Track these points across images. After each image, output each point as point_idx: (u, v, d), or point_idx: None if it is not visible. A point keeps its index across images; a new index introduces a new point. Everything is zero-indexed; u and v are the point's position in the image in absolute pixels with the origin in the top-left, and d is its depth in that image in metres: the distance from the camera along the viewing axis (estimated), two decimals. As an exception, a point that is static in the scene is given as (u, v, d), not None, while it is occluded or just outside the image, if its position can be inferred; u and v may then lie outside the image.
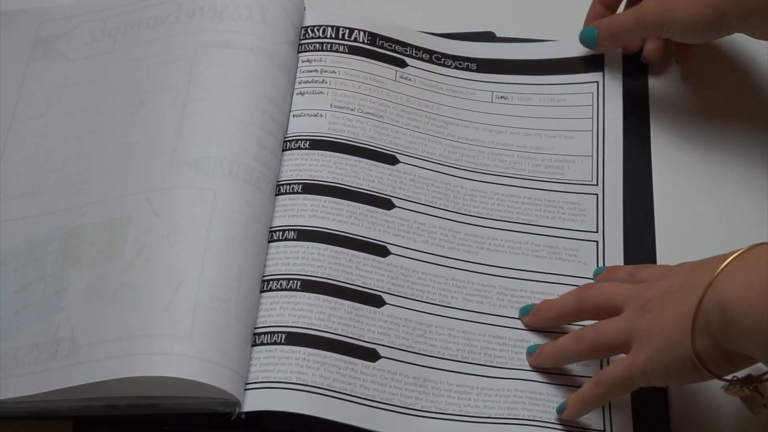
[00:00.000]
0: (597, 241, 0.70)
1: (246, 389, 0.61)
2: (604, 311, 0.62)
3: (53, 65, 0.75)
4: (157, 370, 0.59)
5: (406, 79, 0.75)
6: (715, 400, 0.65)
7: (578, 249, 0.69)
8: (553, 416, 0.63)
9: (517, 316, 0.67)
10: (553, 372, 0.65)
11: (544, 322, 0.66)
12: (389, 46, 0.76)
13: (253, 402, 0.61)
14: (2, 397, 0.61)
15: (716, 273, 0.55)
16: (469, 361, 0.65)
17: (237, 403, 0.60)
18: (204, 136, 0.67)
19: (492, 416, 0.63)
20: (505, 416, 0.63)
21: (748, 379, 0.59)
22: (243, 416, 0.61)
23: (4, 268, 0.66)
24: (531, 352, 0.65)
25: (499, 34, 0.78)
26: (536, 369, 0.65)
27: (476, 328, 0.66)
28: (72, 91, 0.73)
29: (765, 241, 0.56)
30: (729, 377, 0.58)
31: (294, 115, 0.72)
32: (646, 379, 0.59)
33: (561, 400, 0.64)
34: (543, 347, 0.65)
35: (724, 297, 0.54)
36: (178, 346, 0.59)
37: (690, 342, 0.56)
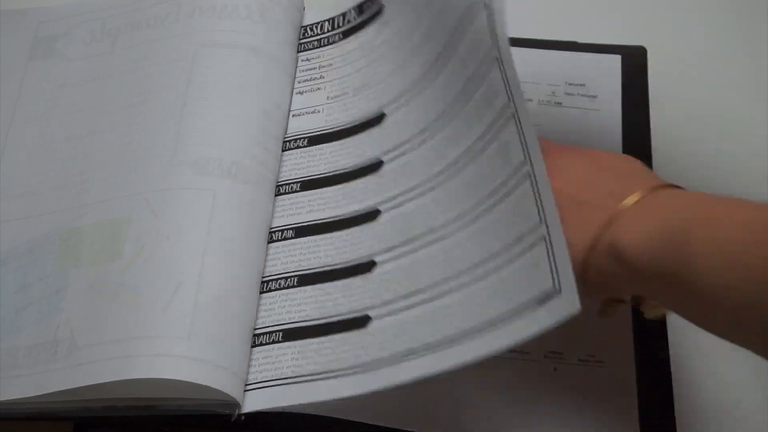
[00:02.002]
0: None
1: (245, 390, 0.61)
2: None
3: (53, 65, 0.75)
4: (157, 372, 0.59)
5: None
6: (721, 399, 0.65)
7: None
8: None
9: None
10: None
11: None
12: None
13: (252, 402, 0.61)
14: (1, 399, 0.61)
15: (614, 213, 0.54)
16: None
17: (236, 405, 0.60)
18: (204, 137, 0.67)
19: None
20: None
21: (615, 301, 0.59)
22: (243, 417, 0.61)
23: (5, 269, 0.66)
24: None
25: (498, 34, 0.78)
26: None
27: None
28: (72, 91, 0.73)
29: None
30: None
31: (294, 115, 0.72)
32: None
33: None
34: None
35: (620, 244, 0.53)
36: (177, 348, 0.59)
37: (581, 264, 0.55)
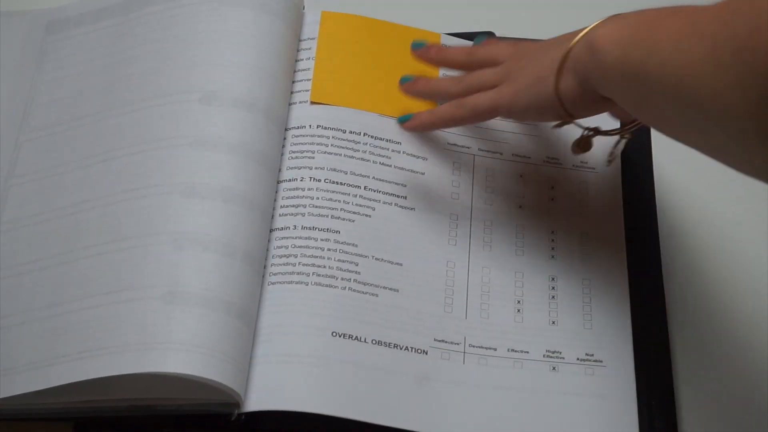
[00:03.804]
0: None
1: (247, 389, 0.61)
2: (488, 67, 0.67)
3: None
4: (162, 366, 0.59)
5: None
6: (723, 399, 0.65)
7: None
8: None
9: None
10: None
11: (429, 61, 0.71)
12: None
13: (254, 402, 0.61)
14: (5, 395, 0.61)
15: (591, 25, 0.59)
16: None
17: (236, 404, 0.60)
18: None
19: None
20: None
21: (595, 130, 0.65)
22: (243, 417, 0.61)
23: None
24: (405, 80, 0.70)
25: (498, 34, 0.78)
26: (409, 94, 0.70)
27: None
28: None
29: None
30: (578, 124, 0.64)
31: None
32: (507, 110, 0.65)
33: None
34: (419, 78, 0.70)
35: (595, 37, 0.58)
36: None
37: (555, 78, 0.61)
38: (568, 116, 0.62)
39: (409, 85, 0.70)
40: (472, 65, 0.68)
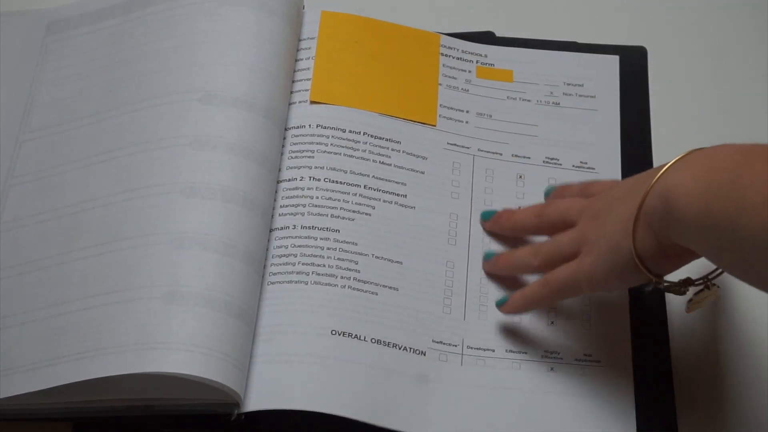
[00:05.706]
0: None
1: (247, 389, 0.61)
2: (560, 227, 0.64)
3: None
4: (162, 366, 0.59)
5: None
6: (724, 399, 0.65)
7: None
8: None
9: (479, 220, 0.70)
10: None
11: (501, 230, 0.69)
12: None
13: (254, 402, 0.61)
14: (5, 395, 0.61)
15: (660, 173, 0.56)
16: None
17: (236, 404, 0.61)
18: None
19: None
20: None
21: (686, 282, 0.61)
22: (243, 417, 0.61)
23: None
24: (487, 258, 0.68)
25: (498, 34, 0.78)
26: (490, 275, 0.68)
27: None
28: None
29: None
30: (668, 282, 0.60)
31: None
32: (590, 283, 0.61)
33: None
34: (500, 256, 0.68)
35: (667, 189, 0.55)
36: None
37: (631, 241, 0.57)
38: (653, 276, 0.59)
39: (491, 264, 0.68)
40: (545, 229, 0.66)
